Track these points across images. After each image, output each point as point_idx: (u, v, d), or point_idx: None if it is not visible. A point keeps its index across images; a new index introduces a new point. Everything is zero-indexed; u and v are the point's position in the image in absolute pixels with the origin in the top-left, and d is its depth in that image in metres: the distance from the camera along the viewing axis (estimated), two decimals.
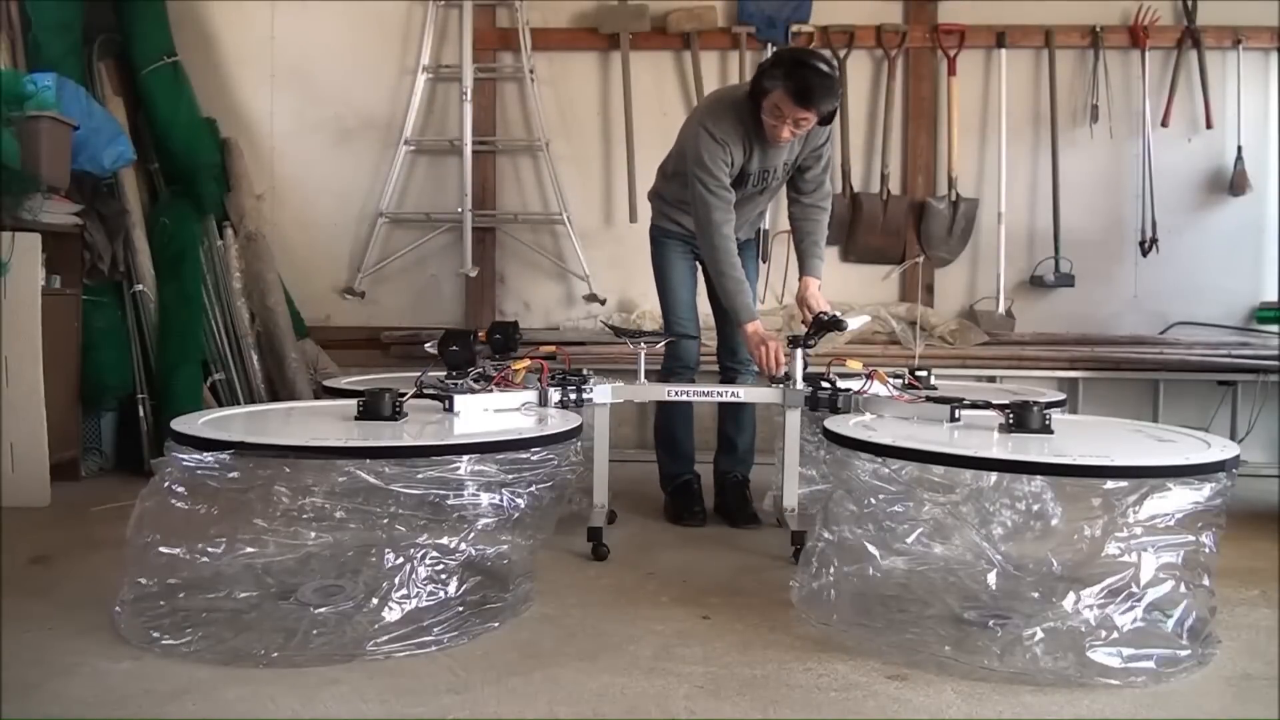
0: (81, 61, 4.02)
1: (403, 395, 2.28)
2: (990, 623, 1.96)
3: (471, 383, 2.57)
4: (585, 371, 2.85)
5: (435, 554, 1.99)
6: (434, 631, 1.93)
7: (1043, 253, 4.53)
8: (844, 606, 2.10)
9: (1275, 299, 4.39)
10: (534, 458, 2.08)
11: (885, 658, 1.90)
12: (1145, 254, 4.47)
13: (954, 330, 4.34)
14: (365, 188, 4.64)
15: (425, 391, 2.43)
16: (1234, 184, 4.44)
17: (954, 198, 4.50)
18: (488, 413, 2.42)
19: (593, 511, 2.82)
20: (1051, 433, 2.17)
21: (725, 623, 2.12)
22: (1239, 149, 4.42)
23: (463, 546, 2.02)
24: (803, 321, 2.98)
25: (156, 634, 1.92)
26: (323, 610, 1.98)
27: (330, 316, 4.65)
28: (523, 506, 2.06)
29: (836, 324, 2.81)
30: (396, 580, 1.96)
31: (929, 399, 2.54)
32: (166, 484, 1.96)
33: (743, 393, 2.97)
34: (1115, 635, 1.87)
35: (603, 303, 4.52)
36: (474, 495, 2.00)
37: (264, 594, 2.06)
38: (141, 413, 3.80)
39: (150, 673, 1.79)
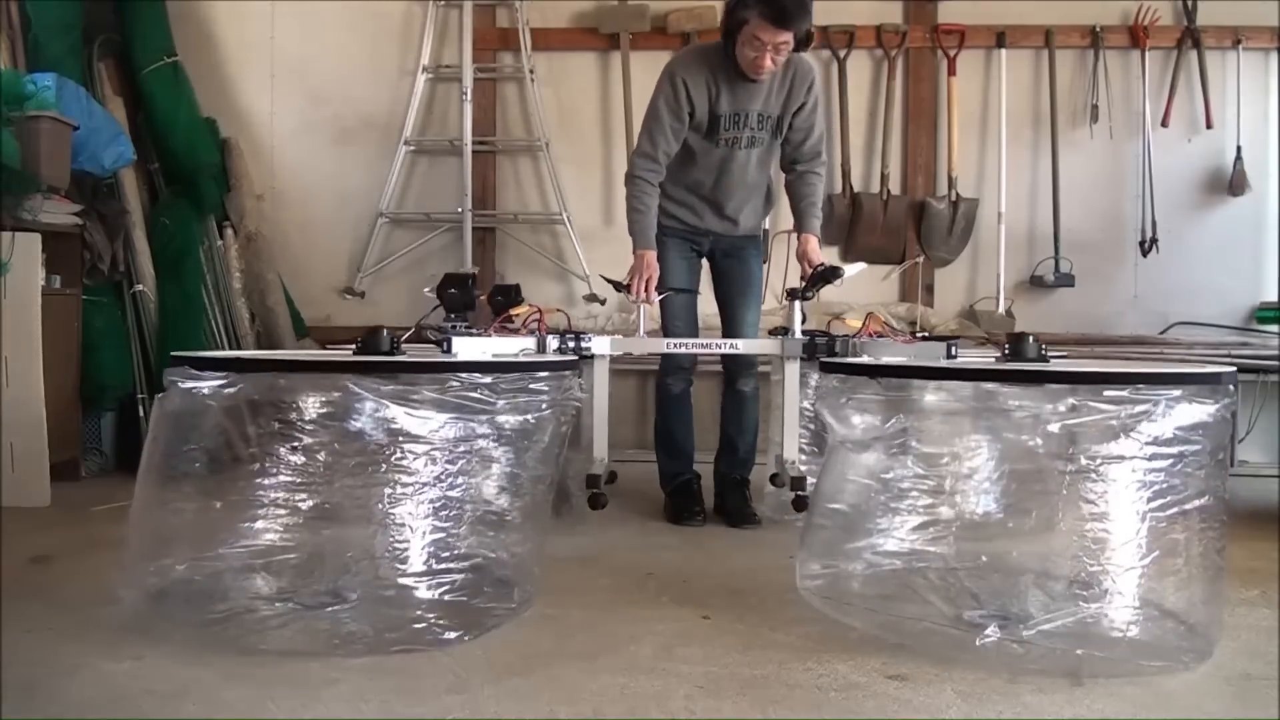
0: (81, 61, 4.03)
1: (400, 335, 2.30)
2: (990, 623, 1.96)
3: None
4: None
5: (436, 552, 1.99)
6: (434, 631, 1.93)
7: (1043, 253, 4.53)
8: (845, 590, 2.11)
9: (1275, 299, 4.40)
10: (532, 385, 2.06)
11: (885, 658, 1.90)
12: (1145, 254, 4.48)
13: (954, 330, 4.34)
14: (365, 188, 4.64)
15: (423, 335, 2.44)
16: (1234, 184, 4.45)
17: (954, 198, 4.50)
18: (485, 355, 2.42)
19: (593, 463, 2.83)
20: (1047, 361, 2.18)
21: (725, 623, 2.12)
22: (1239, 149, 4.43)
23: (463, 544, 2.02)
24: (801, 276, 2.99)
25: (157, 634, 1.92)
26: (322, 610, 1.98)
27: (330, 316, 4.65)
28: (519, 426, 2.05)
29: (833, 272, 2.83)
30: (397, 580, 1.97)
31: (925, 336, 2.58)
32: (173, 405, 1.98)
33: (741, 344, 2.98)
34: (1115, 635, 1.87)
35: (602, 303, 4.52)
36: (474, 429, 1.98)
37: (265, 594, 2.06)
38: (141, 413, 3.80)
39: (150, 673, 1.78)
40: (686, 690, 1.74)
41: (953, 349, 2.39)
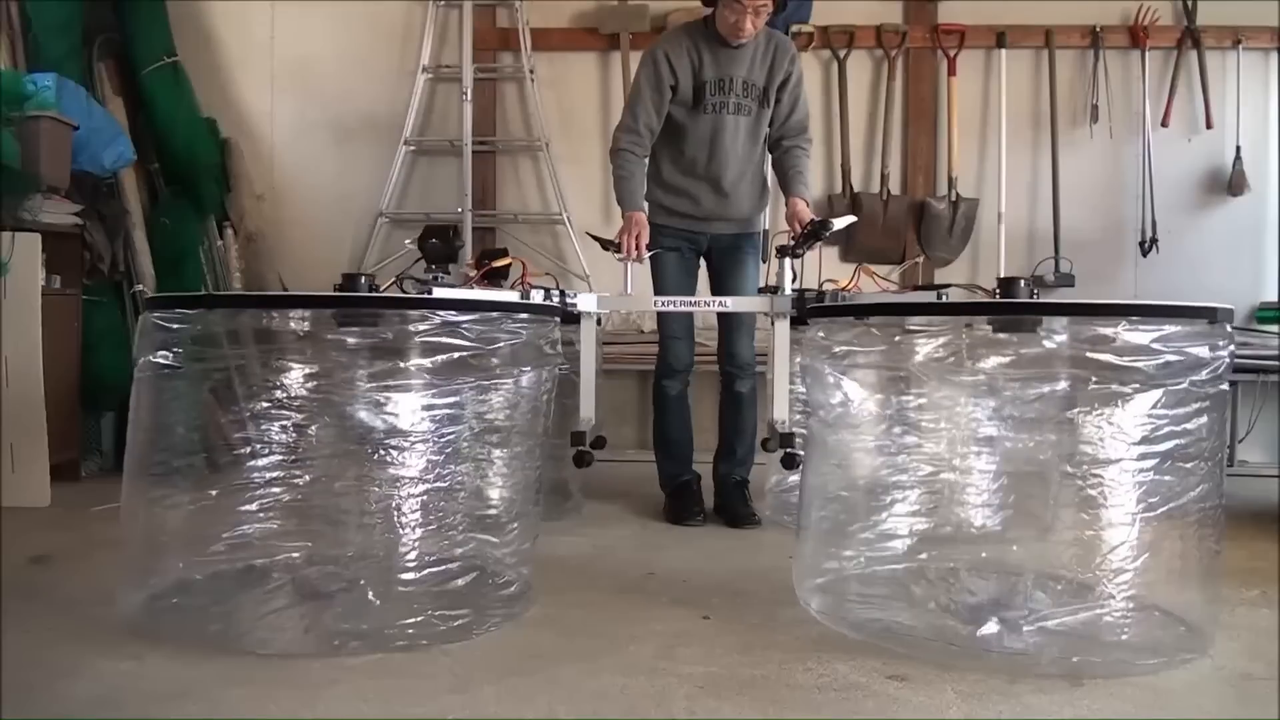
0: (81, 61, 4.02)
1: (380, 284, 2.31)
2: (990, 623, 1.96)
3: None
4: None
5: (435, 552, 1.99)
6: (434, 631, 1.93)
7: (1043, 253, 4.53)
8: (844, 592, 2.12)
9: (1275, 299, 4.39)
10: (511, 324, 2.07)
11: (885, 658, 1.90)
12: (1145, 254, 4.48)
13: None
14: (365, 188, 4.63)
15: (404, 287, 2.43)
16: (1233, 184, 4.44)
17: (954, 198, 4.50)
18: None
19: (579, 420, 2.81)
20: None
21: (725, 623, 2.12)
22: (1238, 149, 4.42)
23: (462, 539, 2.02)
24: (791, 236, 2.96)
25: (157, 634, 1.92)
26: (322, 610, 1.98)
27: None
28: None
29: (823, 226, 2.82)
30: (396, 579, 1.97)
31: (916, 287, 2.56)
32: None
33: (730, 302, 2.99)
34: (1115, 635, 1.87)
35: None
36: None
37: (264, 593, 2.06)
38: None
39: (150, 673, 1.79)
40: (686, 690, 1.74)
41: (943, 296, 2.38)
